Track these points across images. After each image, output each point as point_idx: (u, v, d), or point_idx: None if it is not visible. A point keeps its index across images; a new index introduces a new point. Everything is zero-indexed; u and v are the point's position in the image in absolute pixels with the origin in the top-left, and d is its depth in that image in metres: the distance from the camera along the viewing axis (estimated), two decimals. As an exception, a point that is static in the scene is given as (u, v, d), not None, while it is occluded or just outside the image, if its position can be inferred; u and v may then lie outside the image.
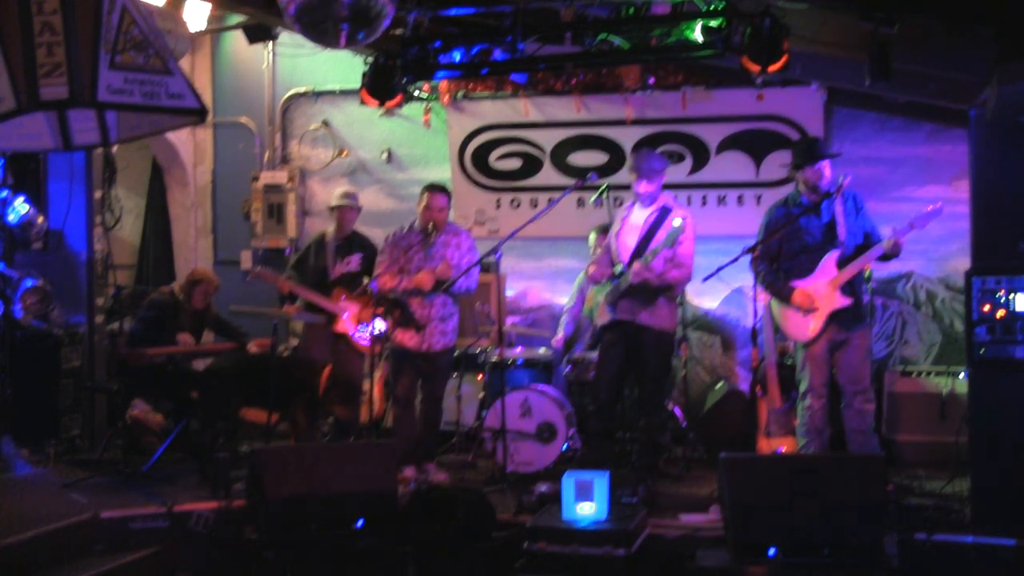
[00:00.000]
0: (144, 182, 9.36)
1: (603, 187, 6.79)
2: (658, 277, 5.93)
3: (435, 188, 6.50)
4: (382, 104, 6.31)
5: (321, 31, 4.59)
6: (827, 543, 4.67)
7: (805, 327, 5.80)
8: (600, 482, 5.15)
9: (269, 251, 8.77)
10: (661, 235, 5.94)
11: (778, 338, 6.95)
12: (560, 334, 7.39)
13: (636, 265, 5.90)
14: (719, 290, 7.45)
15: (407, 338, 6.37)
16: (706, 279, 6.12)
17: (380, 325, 6.35)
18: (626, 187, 6.51)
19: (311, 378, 6.69)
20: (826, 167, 5.81)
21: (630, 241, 6.11)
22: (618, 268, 6.17)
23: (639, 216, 6.15)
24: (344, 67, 8.47)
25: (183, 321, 6.84)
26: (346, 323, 6.93)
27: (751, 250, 5.87)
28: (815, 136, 6.97)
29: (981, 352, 5.13)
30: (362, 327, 6.93)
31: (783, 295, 5.82)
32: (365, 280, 6.82)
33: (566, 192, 6.64)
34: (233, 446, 6.85)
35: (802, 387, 5.91)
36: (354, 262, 7.04)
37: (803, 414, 5.90)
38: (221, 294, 8.84)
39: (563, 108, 8.08)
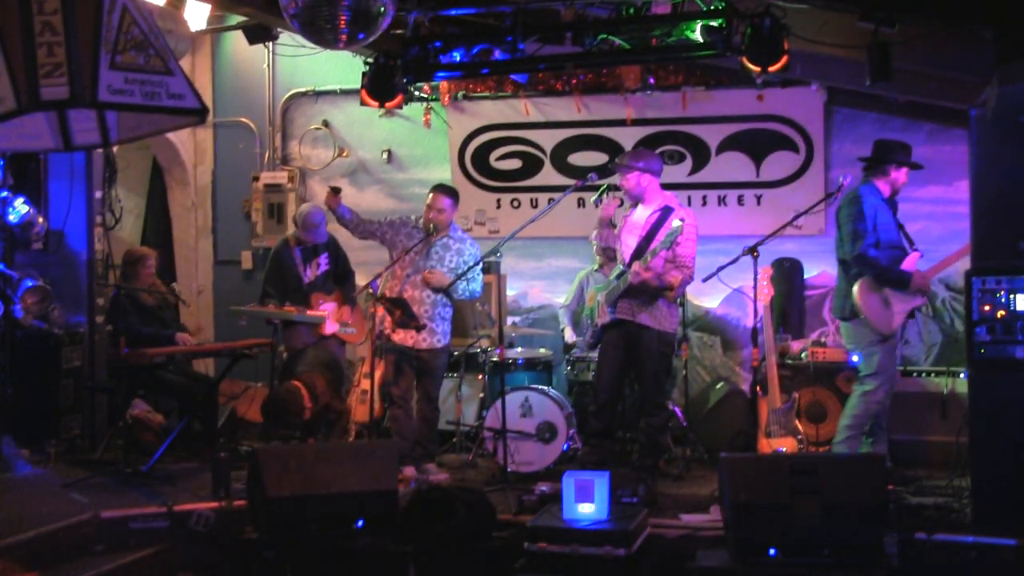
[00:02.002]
0: (144, 182, 9.36)
1: (603, 187, 6.79)
2: (658, 277, 5.93)
3: (439, 188, 6.54)
4: (382, 104, 6.31)
5: (321, 31, 4.58)
6: (827, 543, 4.68)
7: (889, 320, 5.87)
8: (600, 482, 5.15)
9: (269, 251, 8.75)
10: (662, 235, 5.95)
11: (778, 338, 6.96)
12: (568, 329, 7.38)
13: (636, 265, 5.90)
14: (719, 290, 7.44)
15: (400, 336, 6.40)
16: (706, 279, 6.13)
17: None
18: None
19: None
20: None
21: (631, 240, 6.12)
22: (618, 268, 6.18)
23: (640, 215, 6.15)
24: (344, 67, 8.47)
25: (148, 301, 6.86)
26: (329, 325, 7.02)
27: (750, 250, 5.88)
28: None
29: (981, 352, 5.13)
30: (343, 325, 7.12)
31: (902, 280, 5.87)
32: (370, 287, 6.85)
33: (566, 192, 6.65)
34: (233, 446, 6.86)
35: (873, 380, 5.97)
36: (323, 263, 7.15)
37: (871, 406, 5.96)
38: (221, 294, 8.91)
39: (563, 108, 8.08)
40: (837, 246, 6.12)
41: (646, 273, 5.87)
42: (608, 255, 6.80)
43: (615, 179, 6.51)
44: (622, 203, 6.76)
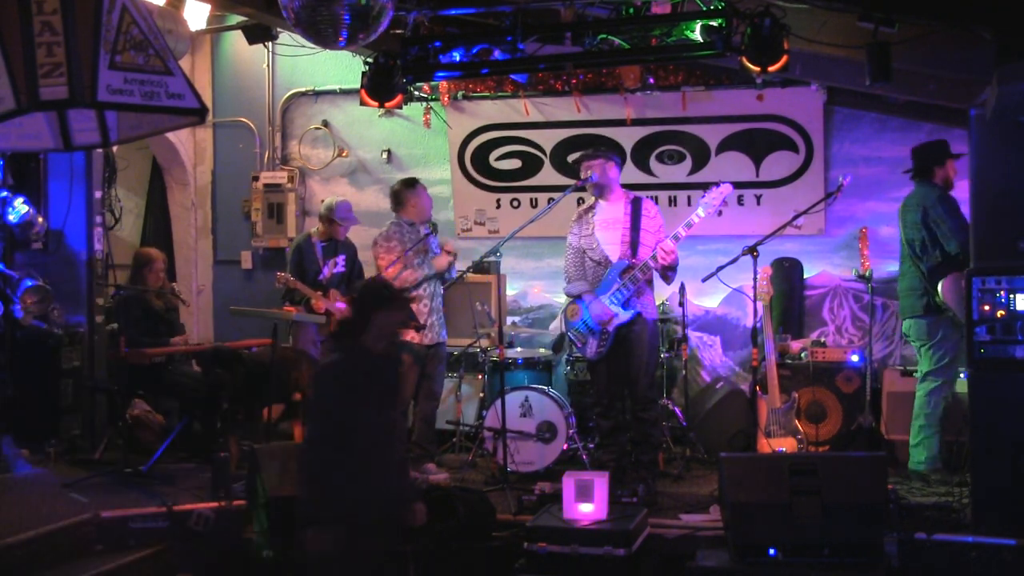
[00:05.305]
0: (144, 182, 9.37)
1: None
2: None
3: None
4: (382, 104, 6.31)
5: (320, 31, 4.58)
6: (827, 543, 4.68)
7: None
8: (600, 482, 5.15)
9: (269, 251, 8.77)
10: (648, 223, 6.00)
11: (778, 338, 6.96)
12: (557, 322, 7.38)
13: (669, 244, 5.85)
14: (719, 290, 7.44)
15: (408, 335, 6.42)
16: (706, 279, 6.13)
17: None
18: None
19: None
20: None
21: (613, 236, 6.06)
22: (611, 266, 6.06)
23: (612, 211, 6.12)
24: (344, 67, 8.48)
25: (156, 304, 6.89)
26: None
27: (750, 250, 5.88)
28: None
29: (981, 352, 5.12)
30: None
31: None
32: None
33: (566, 192, 6.64)
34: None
35: (944, 374, 6.14)
36: (340, 263, 7.16)
37: (940, 401, 6.09)
38: (221, 294, 8.91)
39: (563, 108, 8.08)
40: (913, 249, 6.16)
41: (674, 252, 5.88)
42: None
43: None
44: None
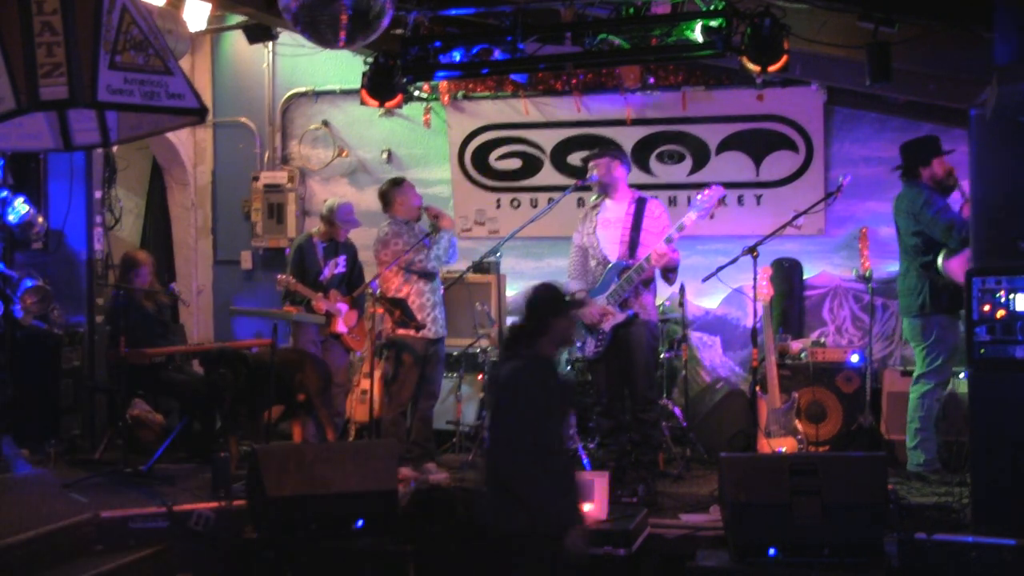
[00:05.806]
0: (144, 182, 9.36)
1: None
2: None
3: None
4: (382, 104, 6.32)
5: (321, 31, 4.59)
6: (827, 543, 4.68)
7: None
8: (600, 482, 5.15)
9: (269, 251, 8.77)
10: (650, 223, 5.96)
11: (778, 338, 6.96)
12: None
13: (663, 246, 5.83)
14: (719, 290, 7.44)
15: (404, 330, 6.39)
16: (706, 279, 6.12)
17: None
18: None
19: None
20: None
21: (613, 235, 6.05)
22: (609, 265, 6.05)
23: (616, 210, 6.10)
24: (344, 67, 8.48)
25: (148, 306, 6.89)
26: (340, 325, 7.02)
27: (750, 250, 5.88)
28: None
29: (981, 352, 5.12)
30: (351, 329, 7.10)
31: None
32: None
33: (566, 192, 6.64)
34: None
35: (937, 376, 6.09)
36: (341, 263, 7.15)
37: (934, 404, 6.07)
38: (221, 294, 8.91)
39: (563, 108, 8.08)
40: (911, 248, 6.16)
41: (673, 253, 5.86)
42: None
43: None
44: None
